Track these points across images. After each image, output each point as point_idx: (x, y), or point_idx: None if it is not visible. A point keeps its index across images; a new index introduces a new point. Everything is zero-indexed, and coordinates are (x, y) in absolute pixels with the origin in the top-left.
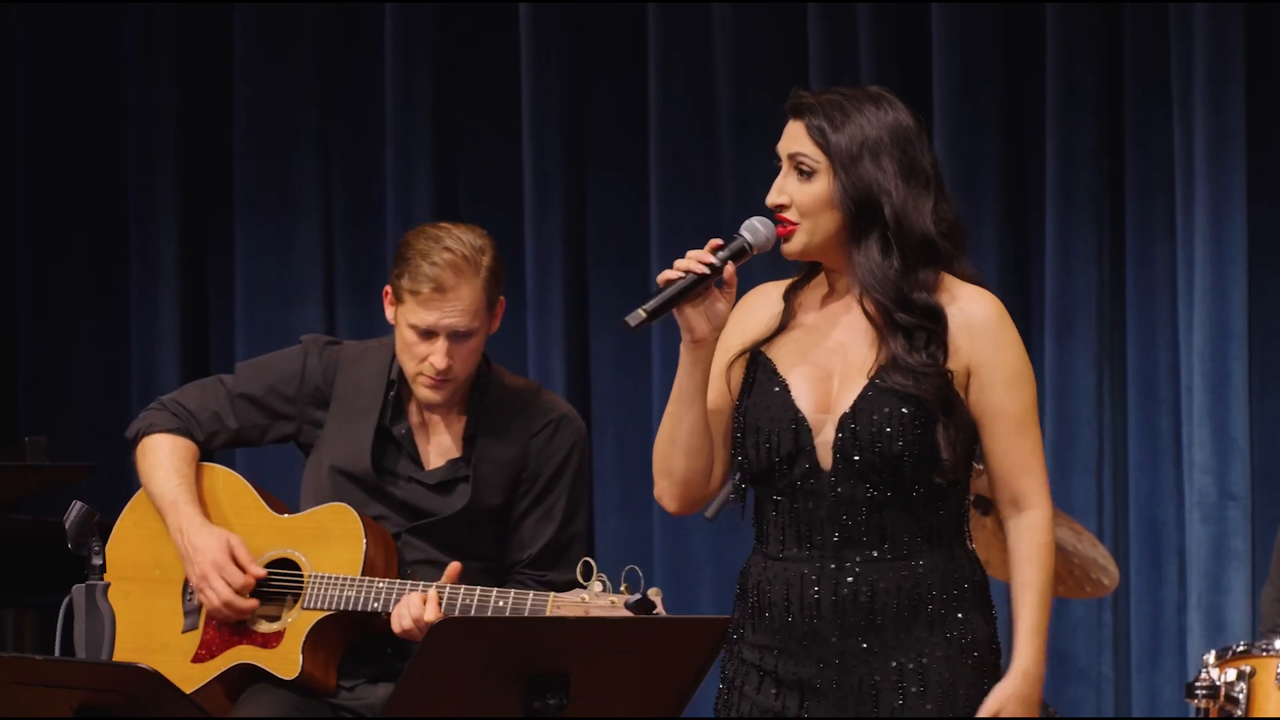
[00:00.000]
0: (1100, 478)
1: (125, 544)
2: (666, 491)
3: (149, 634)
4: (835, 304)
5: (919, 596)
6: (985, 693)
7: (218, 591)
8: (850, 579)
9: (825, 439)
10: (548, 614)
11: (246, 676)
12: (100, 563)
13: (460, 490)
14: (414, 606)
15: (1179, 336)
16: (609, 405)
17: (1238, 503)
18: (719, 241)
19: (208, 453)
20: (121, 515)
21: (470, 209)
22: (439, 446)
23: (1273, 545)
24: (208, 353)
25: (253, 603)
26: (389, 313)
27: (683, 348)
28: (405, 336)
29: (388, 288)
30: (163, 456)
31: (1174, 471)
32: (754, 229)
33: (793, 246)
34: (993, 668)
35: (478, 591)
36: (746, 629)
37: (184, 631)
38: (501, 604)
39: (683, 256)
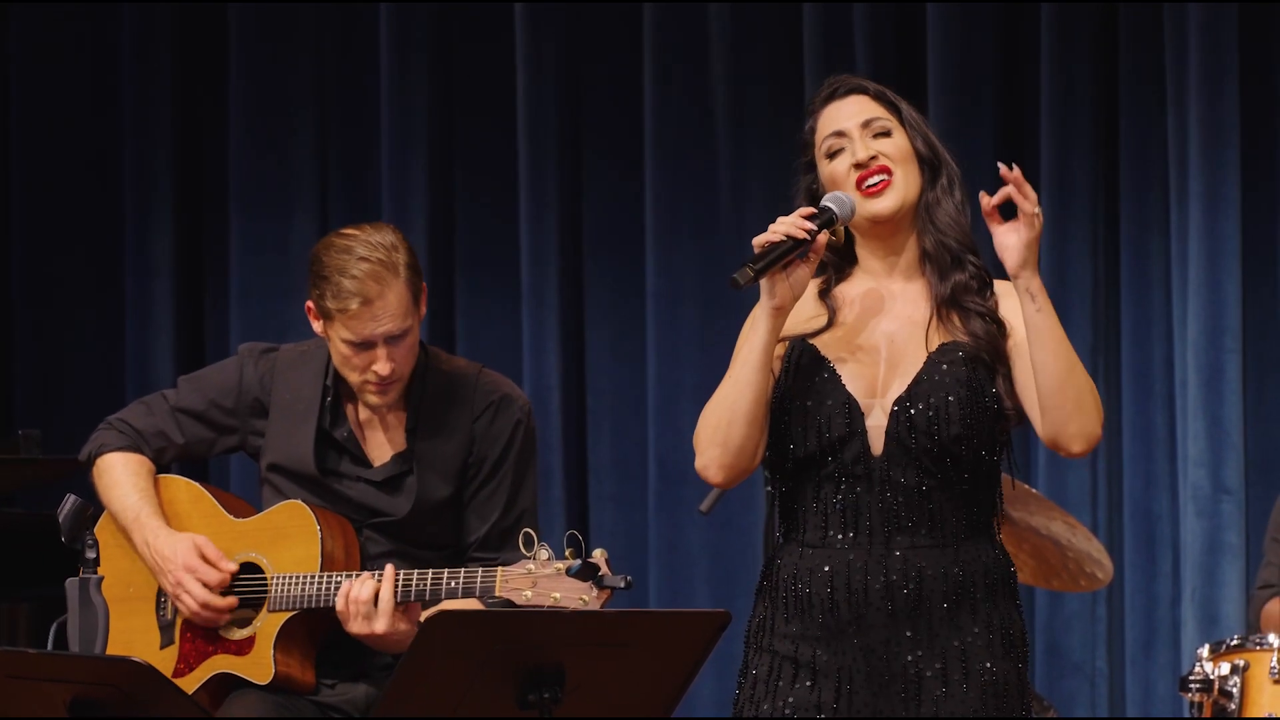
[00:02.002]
0: (1094, 471)
1: (102, 563)
2: (716, 461)
3: (128, 653)
4: (875, 293)
5: (963, 585)
6: (1022, 682)
7: (194, 594)
8: (900, 566)
9: (876, 423)
10: (497, 588)
11: (227, 685)
12: (94, 556)
13: (408, 486)
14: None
15: (1173, 330)
16: (604, 399)
17: (1232, 496)
18: (810, 210)
19: (160, 468)
20: None
21: (465, 204)
22: (383, 443)
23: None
24: (203, 347)
25: (230, 600)
26: (315, 326)
27: (761, 314)
28: (341, 351)
29: (310, 304)
30: (118, 474)
31: (1168, 465)
32: (839, 200)
33: (889, 202)
34: (1025, 659)
35: (430, 575)
36: (777, 620)
37: (161, 648)
38: (454, 584)
39: (675, 251)
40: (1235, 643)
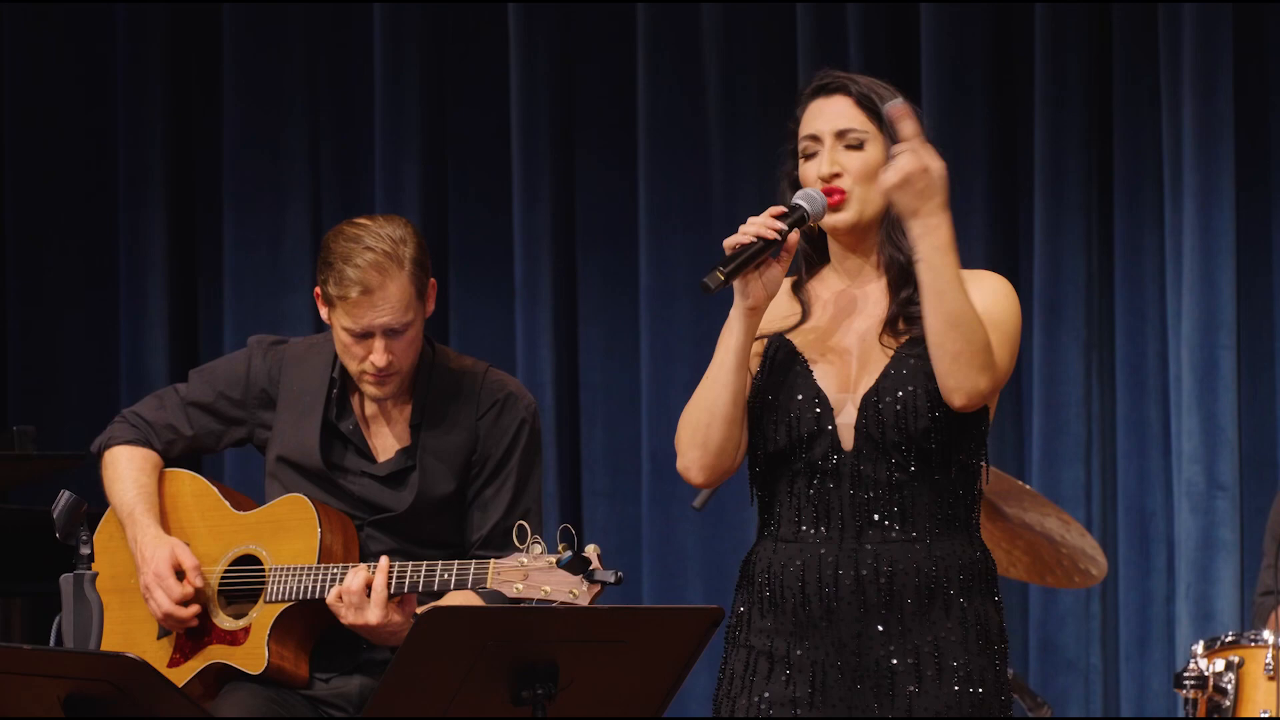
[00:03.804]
0: (1089, 467)
1: (103, 555)
2: (697, 462)
3: (127, 642)
4: (847, 290)
5: (936, 580)
6: (999, 678)
7: (158, 603)
8: (870, 560)
9: (846, 419)
10: (489, 580)
11: (222, 676)
12: (88, 552)
13: (411, 481)
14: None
15: (1168, 326)
16: (597, 394)
17: (1226, 493)
18: (781, 209)
19: (169, 461)
20: (98, 529)
21: (458, 199)
22: (388, 437)
23: (1265, 531)
24: (197, 342)
25: (192, 610)
26: (323, 313)
27: (736, 315)
28: (342, 339)
29: (317, 289)
30: (121, 468)
31: (1162, 461)
32: (810, 198)
33: (848, 215)
34: (1003, 655)
35: (424, 566)
36: (753, 615)
37: (158, 638)
38: (446, 576)
39: (667, 247)
40: (1230, 639)
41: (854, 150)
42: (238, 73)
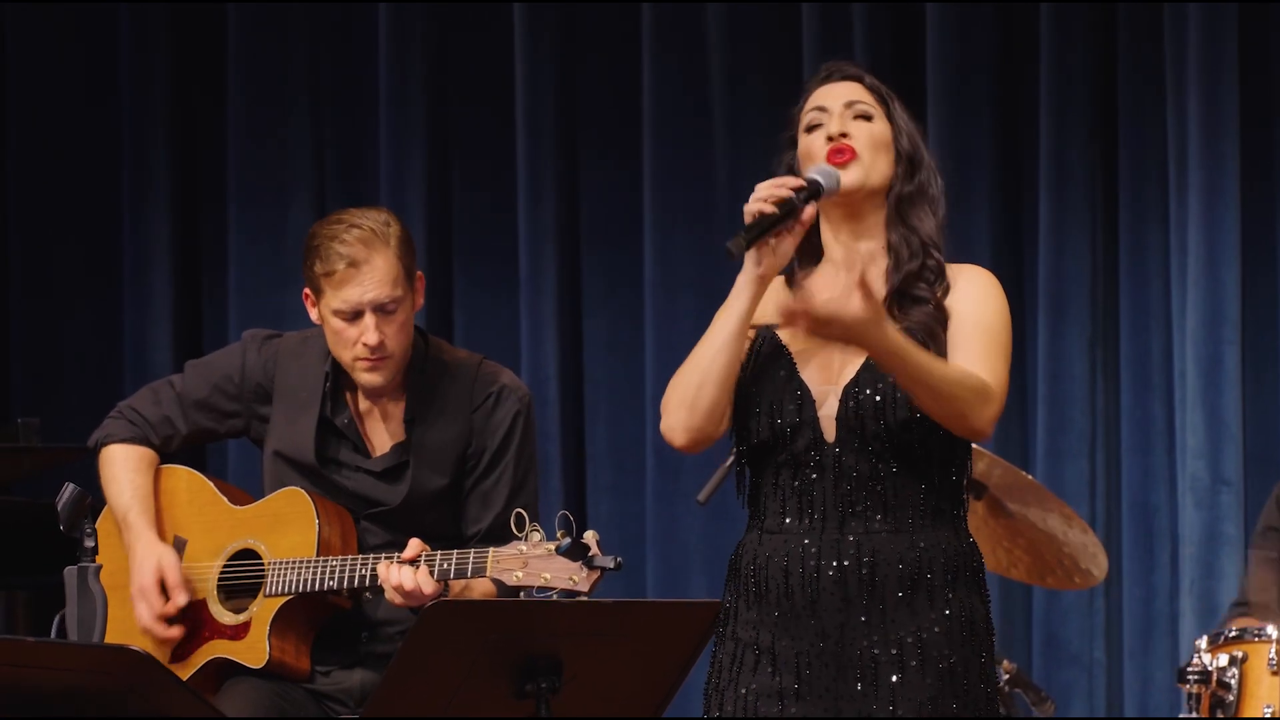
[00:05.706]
0: (1093, 463)
1: (104, 551)
2: (682, 423)
3: (129, 637)
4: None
5: (920, 572)
6: (982, 671)
7: (141, 615)
8: (853, 550)
9: (829, 411)
10: (488, 569)
11: (224, 670)
12: (92, 545)
13: (406, 476)
14: (408, 580)
15: (1172, 321)
16: (601, 388)
17: (1230, 488)
18: (798, 181)
19: (166, 455)
20: (97, 524)
21: (463, 194)
22: (383, 432)
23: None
24: (200, 336)
25: (173, 632)
26: (312, 314)
27: (745, 281)
28: (333, 326)
29: (306, 289)
30: (117, 469)
31: (1166, 457)
32: (824, 171)
33: (855, 175)
34: (989, 648)
35: (423, 556)
36: (740, 607)
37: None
38: (446, 565)
39: (672, 241)
40: (1234, 634)
41: (863, 120)
42: (242, 69)
